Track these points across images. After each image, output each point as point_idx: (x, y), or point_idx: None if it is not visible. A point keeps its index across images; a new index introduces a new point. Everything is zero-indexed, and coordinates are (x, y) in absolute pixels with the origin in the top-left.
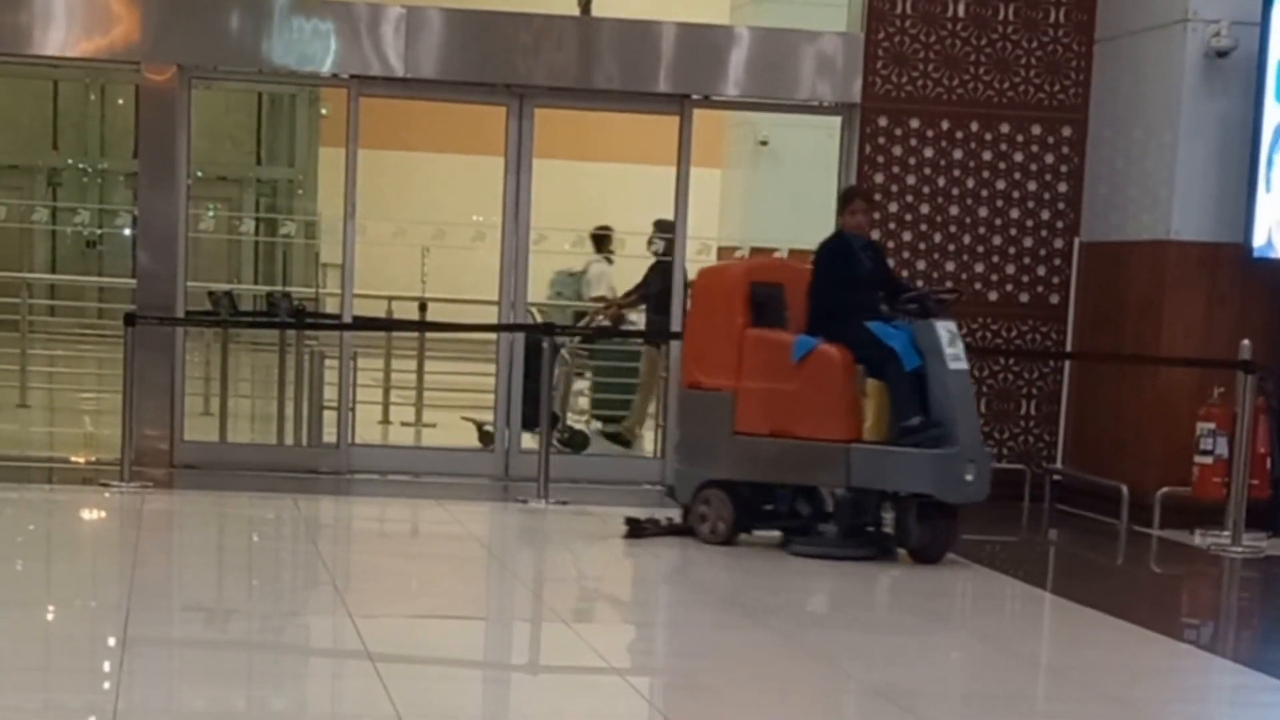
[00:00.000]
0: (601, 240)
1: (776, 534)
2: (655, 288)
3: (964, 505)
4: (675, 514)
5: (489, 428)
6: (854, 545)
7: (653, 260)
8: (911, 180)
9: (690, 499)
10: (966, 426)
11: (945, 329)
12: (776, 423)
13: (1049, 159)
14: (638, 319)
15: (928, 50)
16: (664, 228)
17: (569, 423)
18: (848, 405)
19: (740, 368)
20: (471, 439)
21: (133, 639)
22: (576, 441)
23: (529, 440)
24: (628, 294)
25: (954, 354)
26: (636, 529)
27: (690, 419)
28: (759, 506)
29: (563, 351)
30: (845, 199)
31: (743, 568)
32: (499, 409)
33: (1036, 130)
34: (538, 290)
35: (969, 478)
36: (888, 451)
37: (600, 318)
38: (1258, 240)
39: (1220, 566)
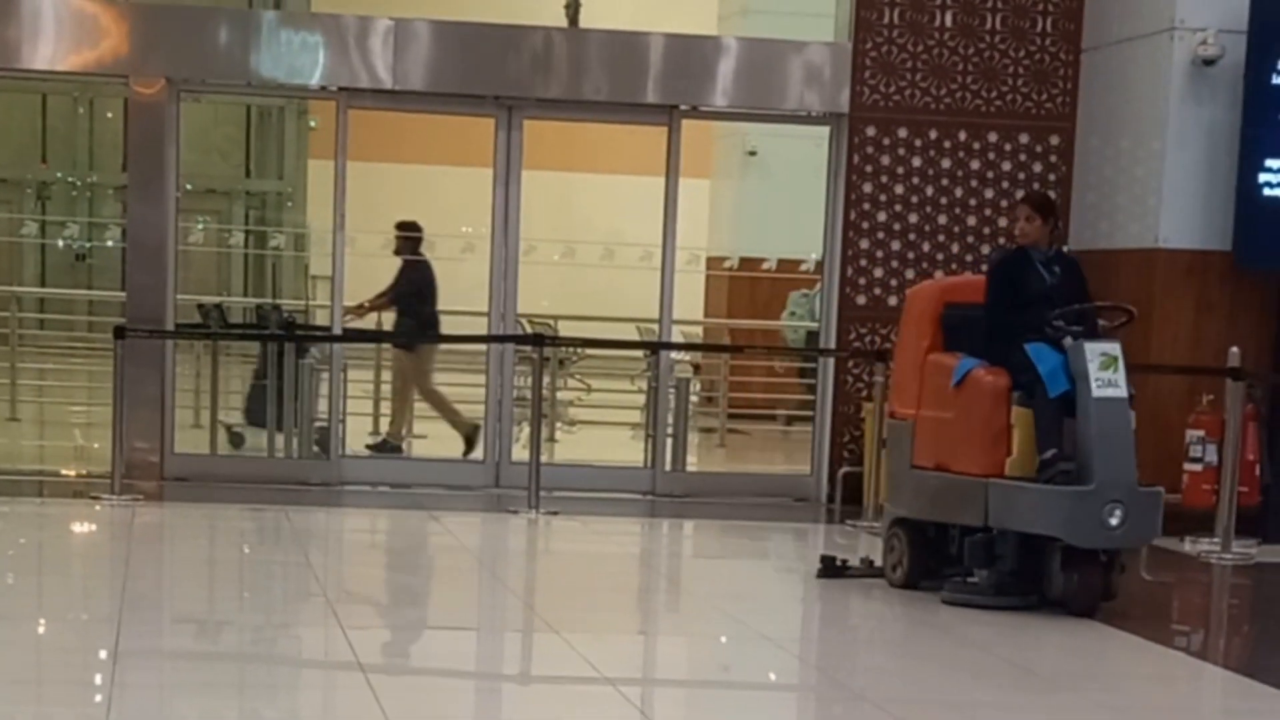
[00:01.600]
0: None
1: None
2: (404, 289)
3: (1113, 551)
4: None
5: (238, 429)
6: (1005, 594)
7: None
8: (900, 190)
9: (885, 537)
10: (1111, 463)
11: (1098, 351)
12: (939, 454)
13: (1037, 168)
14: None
15: (915, 60)
16: (406, 228)
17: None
18: (992, 435)
19: (920, 395)
20: (462, 449)
21: (124, 651)
22: (234, 440)
23: (515, 449)
24: (378, 296)
25: (1105, 379)
26: (831, 569)
27: (890, 450)
28: (945, 548)
29: (313, 351)
30: (1014, 208)
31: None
32: (489, 418)
33: (1024, 139)
34: (530, 301)
35: (1112, 521)
36: (1019, 488)
37: (350, 318)
38: None
39: (1210, 573)
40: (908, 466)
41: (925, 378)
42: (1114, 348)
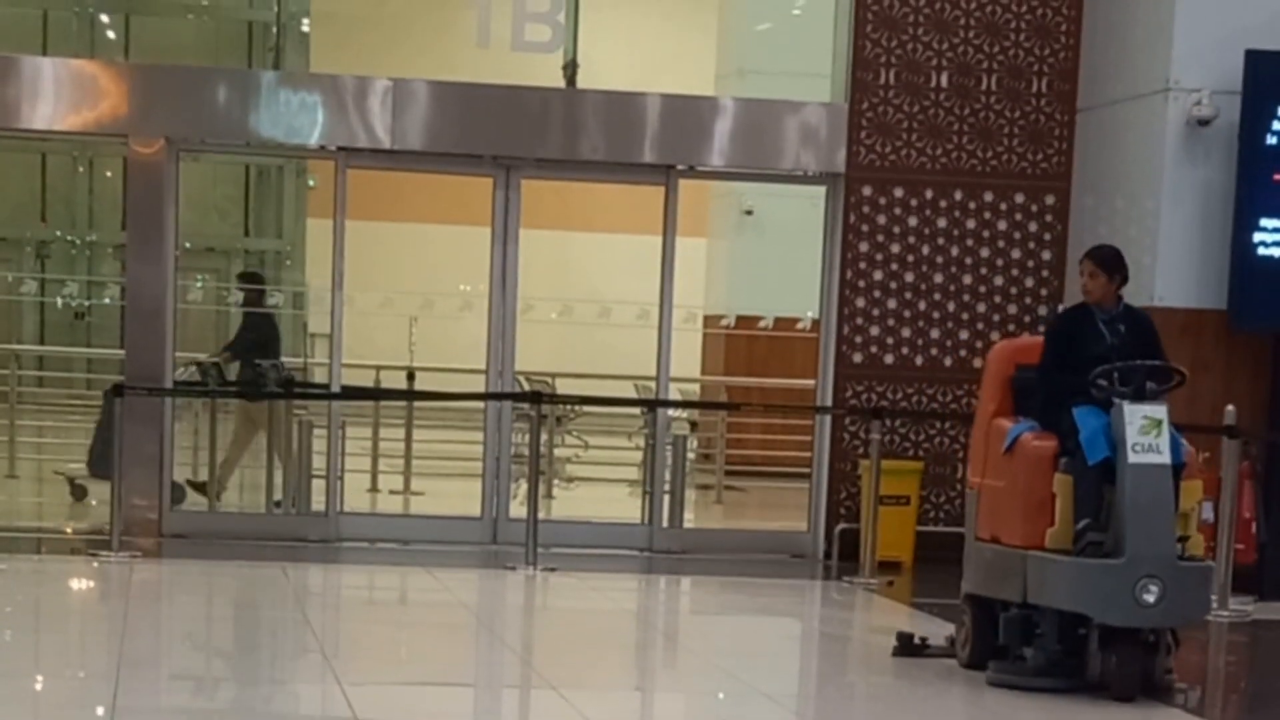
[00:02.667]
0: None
1: None
2: (246, 341)
3: (1159, 630)
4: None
5: (80, 481)
6: (1048, 675)
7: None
8: (896, 249)
9: (958, 614)
10: (1146, 534)
11: (1140, 414)
12: (994, 525)
13: (1032, 227)
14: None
15: (911, 120)
16: (248, 279)
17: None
18: (1035, 504)
19: (985, 462)
20: (461, 506)
21: (121, 708)
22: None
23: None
24: (224, 347)
25: (1144, 444)
26: (908, 647)
27: (966, 521)
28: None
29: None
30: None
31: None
32: (486, 476)
33: (1020, 199)
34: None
35: (1147, 597)
36: (1052, 561)
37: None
38: None
39: (1207, 631)
40: (973, 538)
41: (989, 444)
42: (1158, 410)
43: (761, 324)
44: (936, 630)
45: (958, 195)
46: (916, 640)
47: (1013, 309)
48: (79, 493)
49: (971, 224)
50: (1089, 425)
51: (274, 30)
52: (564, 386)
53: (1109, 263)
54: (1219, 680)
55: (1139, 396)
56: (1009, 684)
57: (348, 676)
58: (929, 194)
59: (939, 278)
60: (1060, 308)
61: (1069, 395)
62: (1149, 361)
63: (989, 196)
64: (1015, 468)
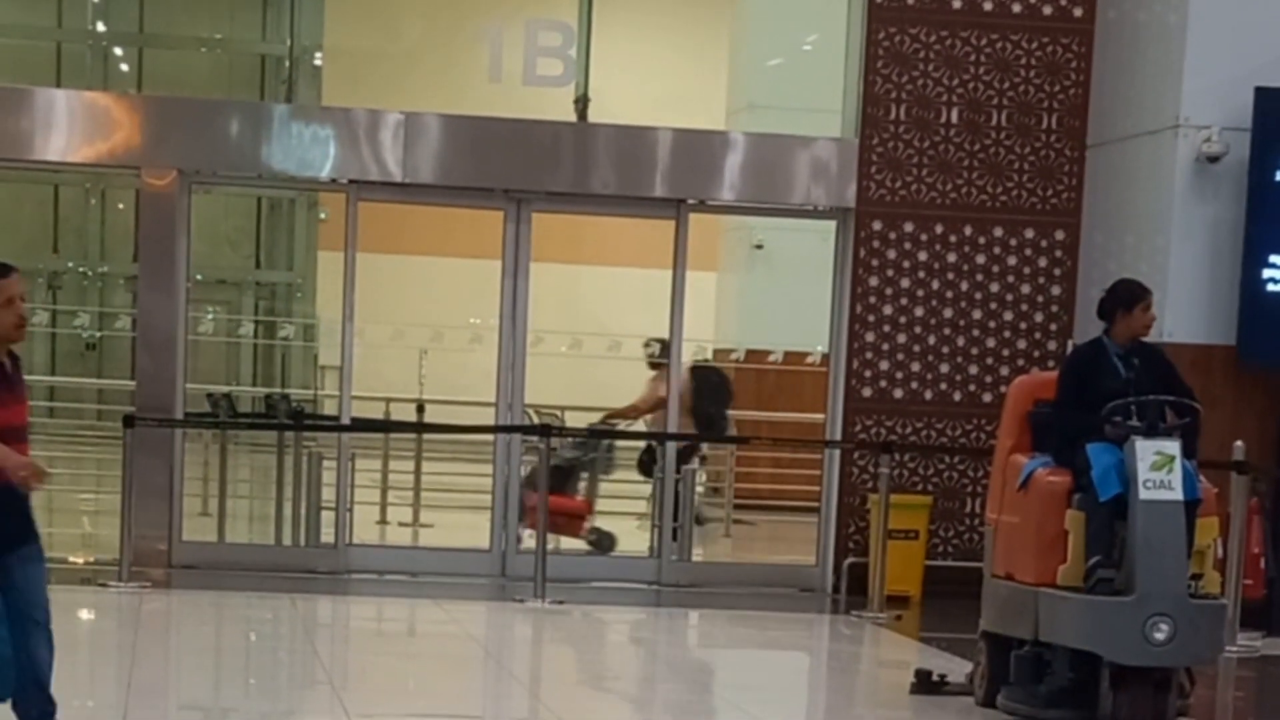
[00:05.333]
0: None
1: None
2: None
3: (1166, 670)
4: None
5: None
6: (1058, 706)
7: None
8: (906, 283)
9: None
10: (1156, 572)
11: (1152, 450)
12: (1009, 562)
13: (1042, 262)
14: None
15: (921, 155)
16: None
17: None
18: (1048, 541)
19: (1002, 498)
20: (470, 539)
21: None
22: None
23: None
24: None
25: (1155, 480)
26: (926, 684)
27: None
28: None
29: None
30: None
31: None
32: (496, 508)
33: (1029, 234)
34: (537, 392)
35: (1158, 636)
36: (1062, 598)
37: None
38: None
39: (1216, 665)
40: (990, 575)
41: (1006, 480)
42: (1171, 446)
43: (771, 358)
44: (945, 664)
45: (968, 230)
46: (935, 677)
47: (1022, 344)
48: None
49: (981, 259)
50: (1101, 461)
51: (286, 64)
52: (573, 420)
53: (1111, 299)
54: (1227, 716)
55: (1152, 432)
56: (1019, 713)
57: (356, 708)
58: (939, 229)
59: (949, 312)
60: (1071, 344)
61: (1084, 431)
62: (1163, 397)
63: (999, 232)
64: (1029, 504)
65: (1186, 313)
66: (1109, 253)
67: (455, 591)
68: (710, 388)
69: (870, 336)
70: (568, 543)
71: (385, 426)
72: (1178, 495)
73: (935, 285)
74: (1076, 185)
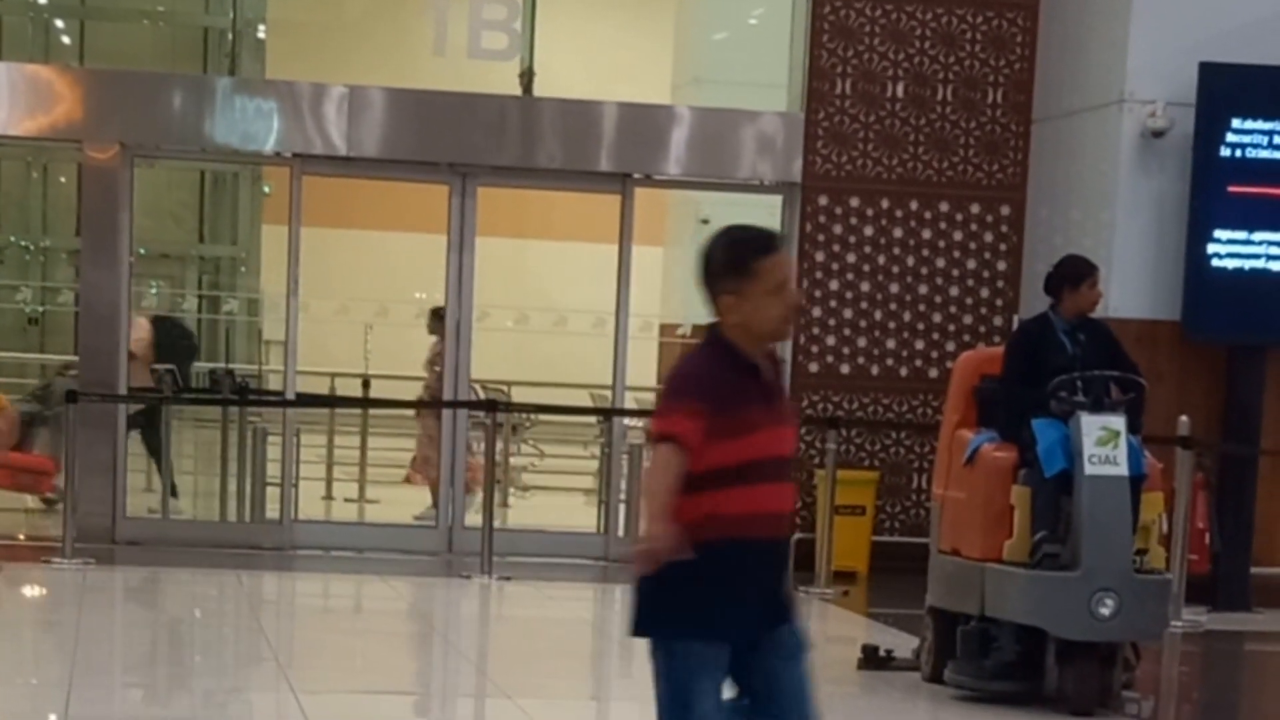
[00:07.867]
0: None
1: None
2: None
3: (1115, 645)
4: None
5: None
6: (1003, 679)
7: None
8: (852, 258)
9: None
10: (1101, 547)
11: (1097, 425)
12: (954, 538)
13: (988, 237)
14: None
15: (867, 130)
16: None
17: None
18: (994, 516)
19: (948, 474)
20: (416, 514)
21: (74, 717)
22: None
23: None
24: None
25: (1101, 456)
26: (874, 660)
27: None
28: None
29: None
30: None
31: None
32: (442, 483)
33: (975, 209)
34: (483, 367)
35: (1103, 611)
36: (1008, 574)
37: None
38: None
39: (1161, 640)
40: (937, 550)
41: (952, 455)
42: (1116, 421)
43: None
44: (892, 640)
45: (914, 205)
46: (881, 653)
47: (968, 319)
48: None
49: (927, 234)
50: (1047, 437)
51: (230, 37)
52: (520, 395)
53: (1057, 275)
54: (1172, 691)
55: (1097, 407)
56: (966, 685)
57: (302, 685)
58: (885, 204)
59: (895, 287)
60: (1017, 319)
61: (1030, 407)
62: (1108, 372)
63: (945, 207)
64: (975, 479)
65: (1132, 288)
66: (1054, 228)
67: (401, 567)
68: (172, 341)
69: (817, 311)
70: (515, 519)
71: (330, 401)
72: (1123, 470)
73: (881, 260)
74: (1022, 160)
